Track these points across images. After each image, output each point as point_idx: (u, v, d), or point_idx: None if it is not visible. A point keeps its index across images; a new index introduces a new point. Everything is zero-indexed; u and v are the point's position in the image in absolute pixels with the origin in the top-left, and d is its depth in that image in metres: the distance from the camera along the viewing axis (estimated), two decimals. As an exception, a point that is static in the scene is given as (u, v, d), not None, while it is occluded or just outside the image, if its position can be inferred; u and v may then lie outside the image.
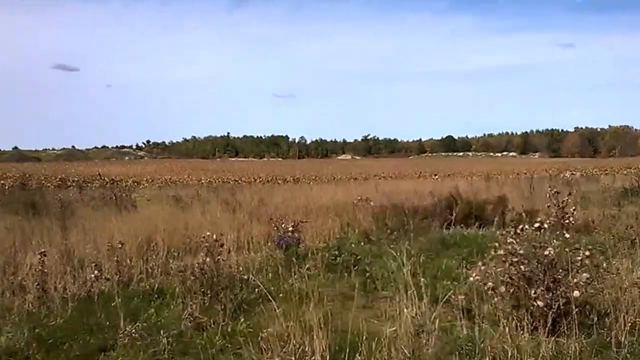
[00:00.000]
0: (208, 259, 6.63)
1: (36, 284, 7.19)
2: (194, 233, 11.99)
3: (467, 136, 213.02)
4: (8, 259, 9.72)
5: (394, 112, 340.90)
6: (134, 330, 5.80)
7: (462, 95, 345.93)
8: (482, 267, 6.21)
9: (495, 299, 5.97)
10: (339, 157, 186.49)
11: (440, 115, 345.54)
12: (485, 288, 6.02)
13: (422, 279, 6.33)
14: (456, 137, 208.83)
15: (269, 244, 10.95)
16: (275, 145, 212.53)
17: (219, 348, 5.69)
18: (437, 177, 47.74)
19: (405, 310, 5.65)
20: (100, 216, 14.50)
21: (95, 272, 7.64)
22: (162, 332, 5.85)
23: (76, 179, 44.92)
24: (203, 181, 46.66)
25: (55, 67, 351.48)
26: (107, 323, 6.32)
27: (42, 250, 7.79)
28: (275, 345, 5.04)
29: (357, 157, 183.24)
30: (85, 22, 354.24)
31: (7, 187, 32.05)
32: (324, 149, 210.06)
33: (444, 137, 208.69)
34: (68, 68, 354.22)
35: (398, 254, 6.62)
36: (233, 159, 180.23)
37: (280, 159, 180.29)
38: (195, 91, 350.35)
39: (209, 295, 6.69)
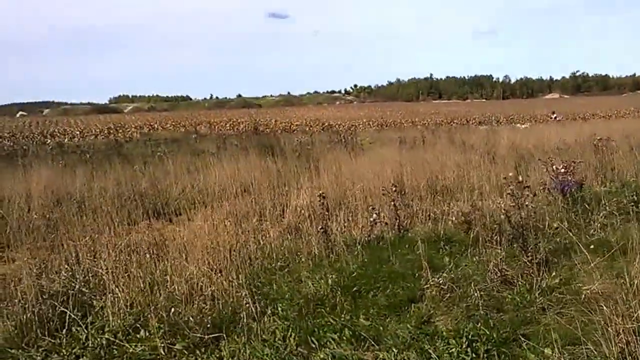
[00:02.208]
0: (511, 203, 5.74)
1: (320, 227, 6.85)
2: (440, 176, 11.32)
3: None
4: (274, 200, 9.74)
5: (605, 46, 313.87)
6: (441, 281, 5.24)
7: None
8: None
9: None
10: (546, 97, 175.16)
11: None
12: None
13: None
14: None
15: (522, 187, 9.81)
16: (479, 86, 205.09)
17: (539, 306, 4.86)
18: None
19: None
20: (338, 158, 14.37)
21: (374, 215, 7.16)
22: (472, 285, 5.23)
23: (299, 123, 46.75)
24: (417, 123, 45.93)
25: (269, 16, 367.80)
26: (411, 272, 5.80)
27: (321, 192, 7.43)
28: (611, 306, 4.16)
29: (565, 96, 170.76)
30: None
31: (241, 132, 34.27)
32: (529, 88, 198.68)
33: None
34: (279, 16, 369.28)
35: None
36: (436, 101, 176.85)
37: (484, 100, 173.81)
38: (397, 34, 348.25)
39: (516, 245, 5.86)
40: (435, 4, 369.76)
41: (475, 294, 5.02)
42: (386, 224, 7.34)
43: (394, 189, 7.85)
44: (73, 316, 5.05)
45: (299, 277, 6.03)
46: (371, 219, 7.16)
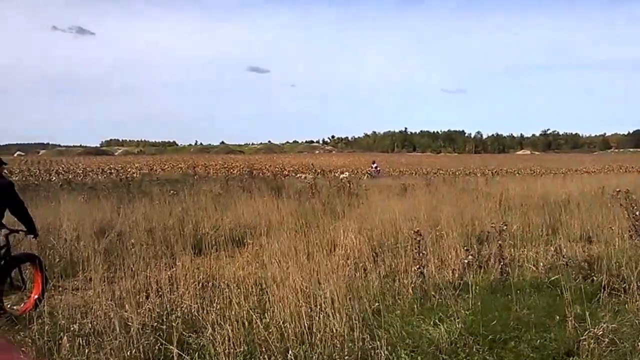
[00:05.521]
0: None
1: (417, 267, 6.20)
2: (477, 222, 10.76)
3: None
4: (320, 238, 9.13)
5: (576, 105, 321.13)
6: (600, 333, 4.56)
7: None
8: None
9: None
10: (517, 153, 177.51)
11: (627, 107, 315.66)
12: None
13: None
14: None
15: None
16: (451, 140, 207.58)
17: None
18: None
19: None
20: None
21: (470, 256, 6.55)
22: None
23: (291, 169, 46.72)
24: (404, 172, 45.93)
25: (250, 70, 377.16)
26: (541, 321, 5.23)
27: (417, 229, 6.70)
28: None
29: (536, 153, 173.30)
30: (272, 28, 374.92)
31: (237, 175, 33.98)
32: (501, 144, 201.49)
33: (633, 131, 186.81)
34: (260, 70, 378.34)
35: None
36: (410, 153, 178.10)
37: (456, 154, 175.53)
38: (373, 88, 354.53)
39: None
40: (408, 61, 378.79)
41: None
42: (480, 266, 6.73)
43: (504, 228, 7.14)
44: (181, 354, 4.44)
45: (408, 321, 5.42)
46: (465, 260, 6.54)
